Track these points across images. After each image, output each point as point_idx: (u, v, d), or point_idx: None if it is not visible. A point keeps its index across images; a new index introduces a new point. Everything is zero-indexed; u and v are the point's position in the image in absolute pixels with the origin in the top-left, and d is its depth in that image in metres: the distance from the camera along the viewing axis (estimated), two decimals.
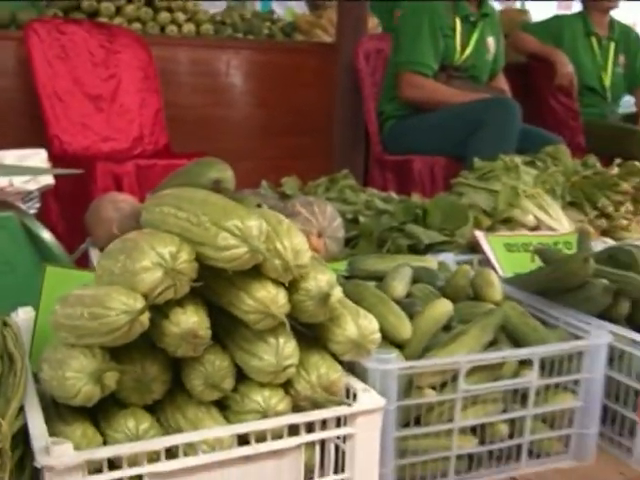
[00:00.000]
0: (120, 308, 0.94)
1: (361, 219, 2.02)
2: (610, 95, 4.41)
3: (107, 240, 2.00)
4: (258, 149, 4.23)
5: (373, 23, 4.56)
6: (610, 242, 2.27)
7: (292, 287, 1.06)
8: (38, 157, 2.25)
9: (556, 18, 4.51)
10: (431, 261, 1.68)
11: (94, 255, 2.03)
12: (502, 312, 1.33)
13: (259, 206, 1.72)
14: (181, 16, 4.12)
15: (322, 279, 1.07)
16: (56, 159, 2.60)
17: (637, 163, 2.44)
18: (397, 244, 1.91)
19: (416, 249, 1.94)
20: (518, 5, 8.51)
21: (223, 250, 0.99)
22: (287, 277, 1.03)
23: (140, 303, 0.95)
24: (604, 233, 2.35)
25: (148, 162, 3.14)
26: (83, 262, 2.19)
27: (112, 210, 2.04)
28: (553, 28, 4.38)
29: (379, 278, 1.54)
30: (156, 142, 3.66)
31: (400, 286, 1.40)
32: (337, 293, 1.09)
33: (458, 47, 3.50)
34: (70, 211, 3.09)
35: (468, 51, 3.53)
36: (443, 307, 1.33)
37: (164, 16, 4.08)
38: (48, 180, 2.20)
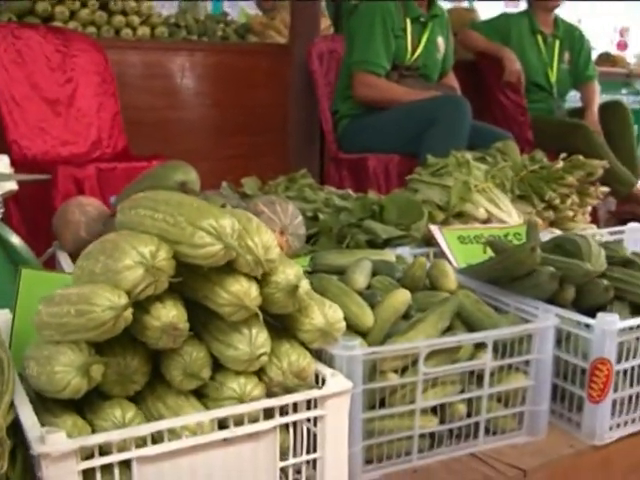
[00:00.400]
0: (105, 304, 1.01)
1: (321, 216, 2.10)
2: (556, 91, 4.54)
3: (75, 243, 2.08)
4: (215, 149, 4.28)
5: (325, 24, 4.65)
6: (557, 232, 2.38)
7: (263, 281, 1.14)
8: (1, 163, 2.30)
9: (503, 16, 4.64)
10: (389, 255, 1.77)
11: (62, 258, 2.09)
12: (457, 300, 1.43)
13: (223, 206, 1.80)
14: (135, 19, 4.18)
15: (290, 272, 1.15)
16: (16, 164, 2.63)
17: (581, 157, 2.56)
18: (356, 239, 2.00)
19: (374, 244, 2.03)
20: (466, 4, 8.68)
21: (199, 248, 1.06)
22: (258, 271, 1.11)
23: (124, 299, 1.02)
24: (552, 224, 2.47)
25: (109, 165, 3.18)
26: (51, 265, 2.24)
27: (79, 214, 2.10)
28: (500, 26, 4.50)
29: (341, 272, 1.63)
30: (114, 145, 3.70)
31: (361, 278, 1.49)
32: (304, 285, 1.17)
33: (409, 47, 3.60)
34: (31, 215, 3.13)
35: (419, 51, 3.64)
36: (402, 296, 1.42)
37: (118, 20, 4.14)
38: (11, 186, 2.25)
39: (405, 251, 1.93)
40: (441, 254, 2.00)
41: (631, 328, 1.44)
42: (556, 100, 4.57)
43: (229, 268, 1.11)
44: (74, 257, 2.08)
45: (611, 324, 1.40)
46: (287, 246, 1.86)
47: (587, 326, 1.44)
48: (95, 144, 3.66)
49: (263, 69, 4.33)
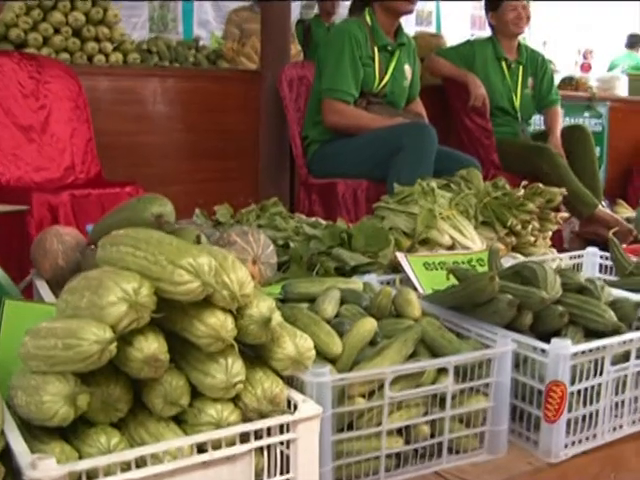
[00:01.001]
0: (92, 338, 1.09)
1: (291, 244, 2.19)
2: (520, 115, 4.68)
3: (53, 272, 2.15)
4: (187, 173, 4.37)
5: (295, 50, 4.75)
6: (519, 257, 2.49)
7: (238, 313, 1.22)
8: None
9: (468, 43, 4.77)
10: (357, 283, 1.86)
11: (41, 286, 2.14)
12: (420, 328, 1.51)
13: (198, 237, 1.87)
14: (108, 46, 4.25)
15: (263, 305, 1.24)
16: None
17: (541, 185, 2.67)
18: (325, 267, 2.08)
19: (343, 271, 2.12)
20: (433, 30, 8.87)
21: (179, 285, 1.14)
22: (234, 305, 1.19)
23: (109, 334, 1.10)
24: (514, 249, 2.57)
25: (83, 192, 3.24)
26: (29, 292, 2.31)
27: (57, 243, 2.17)
28: (465, 53, 4.63)
29: (311, 300, 1.73)
30: (88, 171, 3.75)
31: (330, 307, 1.58)
32: (277, 317, 1.26)
33: (377, 75, 3.71)
34: (6, 242, 3.17)
35: (386, 78, 3.75)
36: (369, 325, 1.50)
37: (91, 46, 4.21)
38: None
39: (372, 278, 2.01)
40: (407, 280, 2.09)
41: (583, 352, 1.53)
42: (520, 124, 4.70)
43: (206, 302, 1.19)
44: (52, 285, 2.15)
45: (564, 349, 1.49)
46: (259, 275, 1.94)
47: (542, 351, 1.53)
48: (68, 170, 3.71)
49: (234, 94, 4.42)
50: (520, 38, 4.81)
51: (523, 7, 4.60)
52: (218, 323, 1.17)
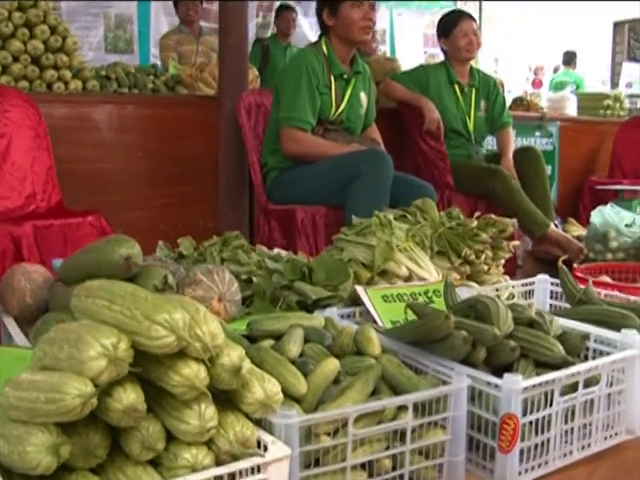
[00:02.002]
0: (74, 392, 1.15)
1: (254, 279, 2.26)
2: (474, 137, 4.80)
3: (21, 309, 2.20)
4: (147, 199, 4.41)
5: (253, 75, 4.82)
6: (474, 285, 2.59)
7: (210, 362, 1.29)
8: None
9: (421, 68, 4.89)
10: (319, 318, 1.94)
11: (9, 323, 2.19)
12: (379, 367, 1.60)
13: (165, 277, 1.94)
14: (67, 73, 4.28)
15: (234, 355, 1.31)
16: None
17: (493, 216, 2.77)
18: (288, 301, 2.16)
19: (305, 304, 2.20)
20: (388, 54, 9.02)
21: (155, 340, 1.21)
22: (206, 356, 1.27)
23: (90, 388, 1.16)
24: (469, 277, 2.68)
25: (45, 222, 3.27)
26: None
27: (25, 281, 2.22)
28: (419, 77, 4.75)
29: (276, 336, 1.80)
30: (49, 199, 3.78)
31: (294, 348, 1.66)
32: (246, 365, 1.33)
33: (334, 103, 3.80)
34: None
35: (342, 106, 3.84)
36: (332, 365, 1.58)
37: (51, 74, 4.24)
38: None
39: (333, 312, 2.10)
40: (367, 313, 2.17)
41: (533, 386, 1.63)
42: (474, 146, 4.83)
43: (180, 353, 1.26)
44: (20, 322, 2.20)
45: (515, 384, 1.58)
46: (225, 312, 2.01)
47: (496, 386, 1.62)
48: (29, 198, 3.73)
49: (193, 120, 4.48)
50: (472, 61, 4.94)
51: (474, 33, 4.74)
52: (192, 373, 1.25)
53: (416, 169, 4.79)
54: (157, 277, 1.94)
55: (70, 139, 4.12)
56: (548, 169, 5.92)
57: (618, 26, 11.43)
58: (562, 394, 1.70)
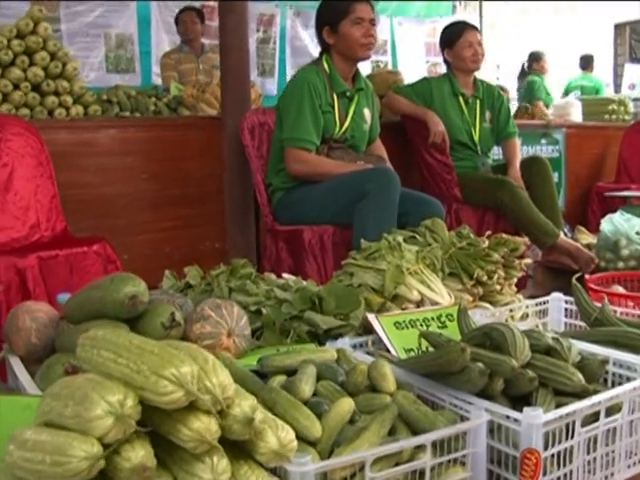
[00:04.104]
0: (81, 455, 1.11)
1: (264, 311, 2.22)
2: (480, 149, 4.77)
3: (26, 348, 2.16)
4: (152, 222, 4.37)
5: (256, 94, 4.79)
6: (488, 307, 2.55)
7: (222, 414, 1.25)
8: None
9: (425, 80, 4.85)
10: (331, 351, 1.89)
11: (15, 363, 2.15)
12: (396, 407, 1.55)
13: (173, 315, 1.90)
14: (68, 99, 4.24)
15: (246, 405, 1.27)
16: None
17: (504, 235, 2.73)
18: (299, 332, 2.12)
19: (316, 334, 2.16)
20: (389, 64, 9.00)
21: (163, 395, 1.17)
22: (217, 408, 1.22)
23: (97, 448, 1.12)
24: (481, 298, 2.63)
25: (50, 253, 3.23)
26: (2, 369, 2.31)
27: (29, 320, 2.18)
28: (422, 90, 4.71)
29: (287, 372, 1.76)
30: (53, 228, 3.74)
31: (307, 387, 1.61)
32: (258, 414, 1.29)
33: (337, 121, 3.76)
34: None
35: (346, 124, 3.80)
36: (346, 405, 1.54)
37: (52, 100, 4.20)
38: None
39: (345, 342, 2.06)
40: (379, 341, 2.13)
41: (554, 419, 1.58)
42: (480, 157, 4.79)
43: (190, 406, 1.22)
44: (26, 361, 2.16)
45: (536, 418, 1.54)
46: (235, 347, 1.97)
47: (515, 420, 1.58)
48: (34, 228, 3.69)
49: (196, 141, 4.45)
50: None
51: (479, 44, 4.70)
52: (202, 427, 1.20)
53: (422, 183, 4.76)
54: (164, 314, 1.90)
55: (73, 165, 4.09)
56: (555, 176, 5.87)
57: (619, 28, 11.39)
58: (583, 424, 1.65)
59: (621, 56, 11.16)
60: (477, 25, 9.88)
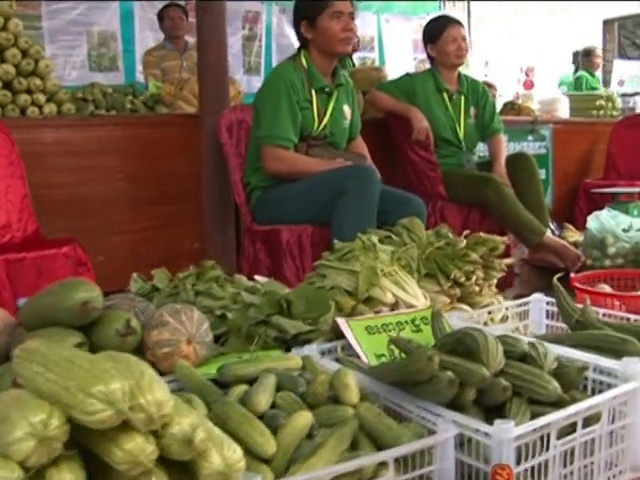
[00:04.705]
0: None
1: (229, 315, 2.12)
2: (465, 145, 4.67)
3: None
4: (129, 222, 4.28)
5: (235, 91, 4.69)
6: (465, 308, 2.45)
7: (159, 432, 1.15)
8: None
9: (407, 76, 4.75)
10: (295, 359, 1.80)
11: None
12: (355, 421, 1.46)
13: (128, 321, 1.80)
14: (41, 97, 4.14)
15: (186, 423, 1.16)
16: None
17: (482, 234, 2.63)
18: (265, 338, 2.02)
19: (285, 340, 2.06)
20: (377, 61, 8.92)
21: (91, 415, 1.07)
22: (152, 427, 1.12)
23: (17, 473, 1.03)
24: (460, 299, 2.53)
25: (17, 256, 3.13)
26: None
27: None
28: (406, 86, 4.62)
29: (249, 381, 1.67)
30: (25, 229, 3.64)
31: (264, 400, 1.51)
32: (200, 433, 1.18)
33: (316, 117, 3.66)
34: None
35: (325, 120, 3.70)
36: (303, 419, 1.44)
37: (24, 98, 4.09)
38: None
39: (313, 349, 1.95)
40: (350, 347, 2.03)
41: (527, 432, 1.48)
42: (465, 154, 4.70)
43: (124, 425, 1.12)
44: None
45: (507, 432, 1.44)
46: (195, 355, 1.87)
47: (485, 433, 1.48)
48: (4, 228, 3.59)
49: (174, 140, 4.35)
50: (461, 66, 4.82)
51: (463, 39, 4.62)
52: (136, 448, 1.10)
53: (406, 180, 4.67)
54: (120, 321, 1.80)
55: (46, 165, 3.98)
56: (542, 173, 5.80)
57: (608, 24, 11.33)
58: (559, 436, 1.56)
59: (610, 52, 11.10)
60: (465, 20, 9.90)
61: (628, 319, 2.30)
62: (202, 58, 4.16)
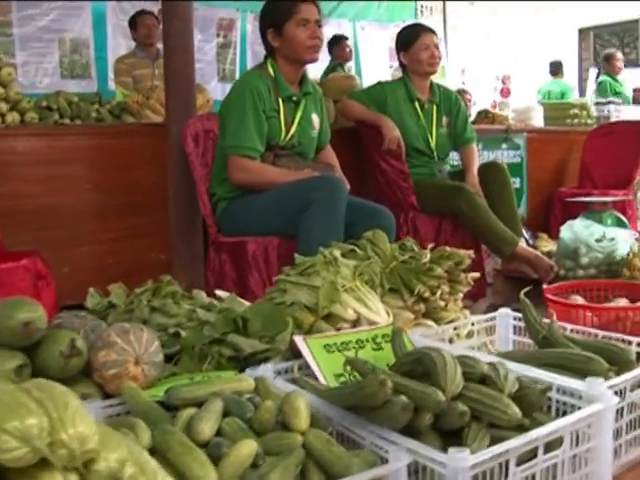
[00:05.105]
0: None
1: (182, 333, 2.04)
2: (437, 155, 4.61)
3: None
4: (96, 233, 4.20)
5: (204, 99, 4.62)
6: (430, 324, 2.39)
7: (84, 468, 1.07)
8: None
9: (379, 85, 4.69)
10: (248, 381, 1.72)
11: None
12: (301, 450, 1.38)
13: (73, 341, 1.72)
14: (3, 106, 4.04)
15: (112, 458, 1.09)
16: None
17: (448, 248, 2.56)
18: (218, 358, 1.94)
19: (240, 359, 1.98)
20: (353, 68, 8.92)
21: (6, 452, 0.99)
22: (75, 464, 1.05)
23: None
24: (426, 314, 2.46)
25: None
26: None
27: None
28: (377, 95, 4.56)
29: (198, 404, 1.59)
30: None
31: (207, 428, 1.44)
32: (129, 469, 1.11)
33: (283, 127, 3.58)
34: None
35: (293, 129, 3.62)
36: (247, 448, 1.36)
37: None
38: None
39: (268, 369, 1.88)
40: (307, 367, 1.96)
41: (484, 460, 1.41)
42: (437, 163, 4.64)
43: (44, 462, 1.04)
44: None
45: (462, 460, 1.37)
46: (143, 376, 1.79)
47: (440, 462, 1.41)
48: None
49: (141, 149, 4.27)
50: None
51: (436, 47, 4.56)
52: None
53: (378, 190, 4.61)
54: (64, 342, 1.73)
55: (9, 175, 3.90)
56: (517, 182, 5.77)
57: (583, 32, 11.36)
58: (519, 463, 1.49)
59: (586, 60, 11.13)
60: (441, 28, 9.89)
61: (596, 335, 2.24)
62: (169, 65, 4.07)
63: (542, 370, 1.85)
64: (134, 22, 6.74)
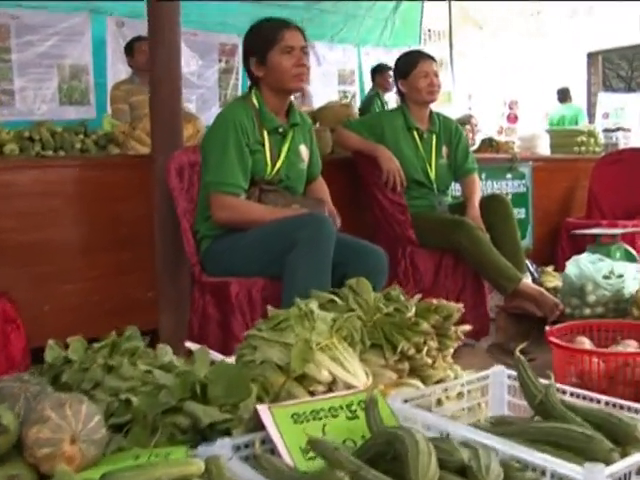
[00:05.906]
0: None
1: (134, 400, 1.83)
2: (436, 186, 4.44)
3: None
4: (80, 270, 4.04)
5: (194, 130, 4.44)
6: (416, 384, 2.18)
7: None
8: None
9: (376, 114, 4.58)
10: (196, 464, 1.51)
11: None
12: None
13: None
14: None
15: None
16: None
17: (435, 300, 2.34)
18: (173, 429, 1.73)
19: (197, 430, 1.78)
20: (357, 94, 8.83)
21: None
22: None
23: None
24: (412, 372, 2.25)
25: None
26: None
27: None
28: (374, 124, 4.40)
29: None
30: None
31: None
32: None
33: (268, 161, 3.39)
34: None
35: (279, 163, 3.42)
36: None
37: None
38: None
39: (225, 445, 1.66)
40: (271, 441, 1.75)
41: None
42: (437, 196, 4.46)
43: None
44: None
45: None
46: (81, 456, 1.58)
47: None
48: None
49: (126, 182, 4.12)
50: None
51: (435, 75, 4.39)
52: None
53: (375, 223, 4.43)
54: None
55: None
56: (522, 212, 5.59)
57: (592, 57, 11.20)
58: None
59: (595, 85, 10.95)
60: (447, 53, 9.75)
61: (598, 401, 2.02)
62: (155, 95, 3.90)
63: (535, 449, 1.63)
64: (131, 48, 6.58)
